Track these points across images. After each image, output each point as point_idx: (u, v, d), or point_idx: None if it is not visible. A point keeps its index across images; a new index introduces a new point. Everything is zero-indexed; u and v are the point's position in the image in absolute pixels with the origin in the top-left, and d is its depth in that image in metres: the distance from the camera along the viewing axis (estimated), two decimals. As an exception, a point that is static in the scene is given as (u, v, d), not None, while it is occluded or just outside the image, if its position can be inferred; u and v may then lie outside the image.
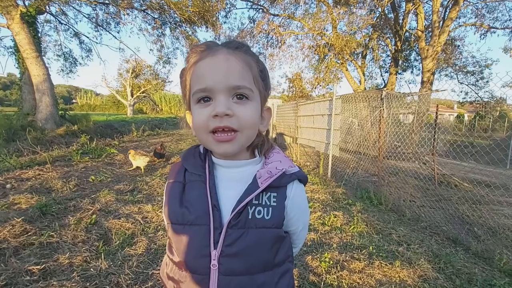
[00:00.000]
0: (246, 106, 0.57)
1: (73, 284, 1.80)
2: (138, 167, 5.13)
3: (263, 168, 0.63)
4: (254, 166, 0.65)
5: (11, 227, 2.40)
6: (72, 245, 2.29)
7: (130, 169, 5.13)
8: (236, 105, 0.56)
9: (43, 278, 1.86)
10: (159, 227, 2.76)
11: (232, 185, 0.63)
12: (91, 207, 3.04)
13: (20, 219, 2.53)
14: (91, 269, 1.99)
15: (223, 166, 0.64)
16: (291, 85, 20.50)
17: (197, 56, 0.58)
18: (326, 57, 14.98)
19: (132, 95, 27.09)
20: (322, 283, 2.01)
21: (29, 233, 2.38)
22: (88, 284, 1.83)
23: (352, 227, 3.02)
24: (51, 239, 2.34)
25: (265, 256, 0.61)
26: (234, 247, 0.58)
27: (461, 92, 15.49)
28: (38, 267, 1.94)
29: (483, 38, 13.60)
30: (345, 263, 2.30)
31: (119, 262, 2.12)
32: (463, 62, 14.70)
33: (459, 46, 14.55)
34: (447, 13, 11.34)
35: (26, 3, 8.68)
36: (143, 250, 2.32)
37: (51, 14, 11.11)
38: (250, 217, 0.59)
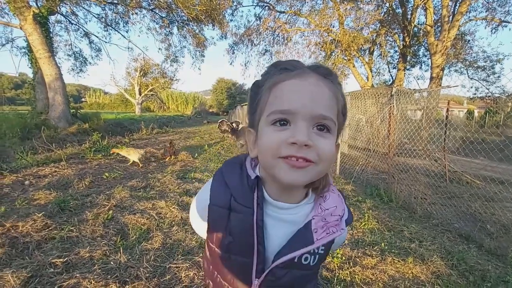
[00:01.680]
0: (326, 139, 0.51)
1: (95, 277, 1.87)
2: (134, 162, 5.34)
3: (317, 213, 0.60)
4: (306, 206, 0.61)
5: (33, 221, 2.50)
6: (91, 240, 2.37)
7: (129, 164, 5.32)
8: (316, 136, 0.50)
9: (66, 271, 1.94)
10: (173, 223, 2.83)
11: (280, 225, 0.60)
12: (107, 203, 3.13)
13: (40, 214, 2.63)
14: (111, 262, 2.06)
15: (273, 205, 0.59)
16: (297, 82, 20.34)
17: (282, 75, 0.53)
18: (333, 54, 14.88)
19: (140, 94, 27.37)
20: (335, 278, 2.04)
21: (50, 228, 2.48)
22: (109, 276, 1.90)
23: (363, 224, 3.04)
24: (71, 233, 2.42)
25: (304, 285, 0.64)
26: (275, 282, 0.60)
27: (471, 87, 15.23)
28: (61, 260, 2.02)
29: (494, 32, 13.32)
30: (358, 259, 2.32)
31: (137, 256, 2.19)
32: (474, 57, 14.43)
33: (469, 40, 14.27)
34: (457, 7, 11.14)
35: (39, 4, 8.85)
36: (159, 245, 2.38)
37: (62, 14, 11.32)
38: (296, 261, 0.58)
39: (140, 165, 5.27)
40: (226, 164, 0.66)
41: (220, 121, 10.68)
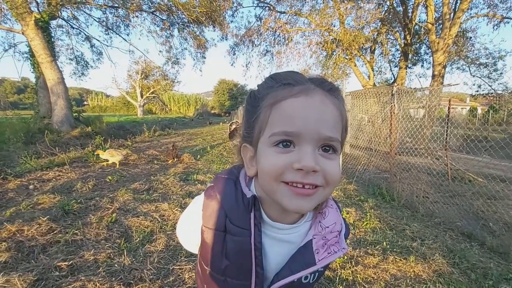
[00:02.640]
0: (333, 161, 0.48)
1: (100, 279, 1.90)
2: (114, 163, 5.43)
3: (317, 232, 0.57)
4: (305, 224, 0.59)
5: (38, 225, 2.53)
6: (96, 242, 2.40)
7: (105, 163, 5.41)
8: (322, 158, 0.47)
9: (71, 274, 1.97)
10: (176, 225, 2.85)
11: (279, 244, 0.57)
12: (111, 206, 3.16)
13: (45, 218, 2.66)
14: (115, 265, 2.09)
15: (271, 225, 0.57)
16: (299, 82, 20.34)
17: (285, 90, 0.48)
18: (334, 53, 14.86)
19: (141, 96, 27.52)
20: (337, 278, 2.06)
21: (55, 231, 2.51)
22: (113, 279, 1.93)
23: (365, 223, 3.05)
24: (75, 236, 2.46)
25: None
26: None
27: (473, 85, 15.13)
28: (66, 263, 2.05)
29: (496, 29, 13.22)
30: (359, 259, 2.34)
31: (141, 258, 2.22)
32: (476, 54, 14.33)
33: (471, 38, 14.18)
34: (458, 4, 11.09)
35: (40, 9, 8.94)
36: (163, 247, 2.41)
37: (63, 19, 11.39)
38: (295, 281, 0.56)
39: (117, 165, 5.35)
40: (218, 179, 0.61)
41: (230, 123, 10.90)
